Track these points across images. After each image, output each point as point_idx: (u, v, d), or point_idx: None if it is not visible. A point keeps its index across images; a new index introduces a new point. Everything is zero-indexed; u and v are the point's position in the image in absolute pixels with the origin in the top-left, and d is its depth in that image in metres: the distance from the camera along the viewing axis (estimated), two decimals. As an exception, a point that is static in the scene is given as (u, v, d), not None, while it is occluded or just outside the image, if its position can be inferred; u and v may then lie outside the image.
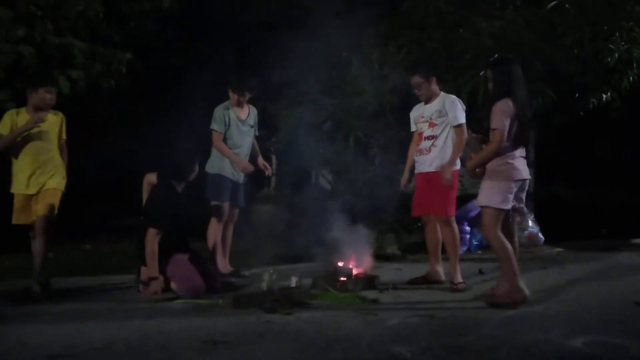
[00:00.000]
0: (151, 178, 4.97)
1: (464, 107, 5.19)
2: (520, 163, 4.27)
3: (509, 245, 4.19)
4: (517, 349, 3.23)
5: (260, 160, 5.86)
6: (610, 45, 6.56)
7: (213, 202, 5.55)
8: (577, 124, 8.20)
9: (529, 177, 4.37)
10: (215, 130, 5.54)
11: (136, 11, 7.09)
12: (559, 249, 7.40)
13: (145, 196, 4.97)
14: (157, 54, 6.14)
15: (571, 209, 8.17)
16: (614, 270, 5.96)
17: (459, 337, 3.46)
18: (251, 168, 5.61)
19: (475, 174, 4.41)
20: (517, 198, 4.31)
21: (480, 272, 5.82)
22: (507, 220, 4.30)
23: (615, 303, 4.44)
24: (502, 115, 4.15)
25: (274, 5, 7.01)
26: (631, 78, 6.98)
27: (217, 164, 5.57)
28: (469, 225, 7.87)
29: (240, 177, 5.67)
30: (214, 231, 5.51)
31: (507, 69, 4.34)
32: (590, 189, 8.99)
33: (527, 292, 4.19)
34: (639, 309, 4.24)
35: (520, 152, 4.29)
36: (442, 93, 5.20)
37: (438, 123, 5.07)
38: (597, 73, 7.18)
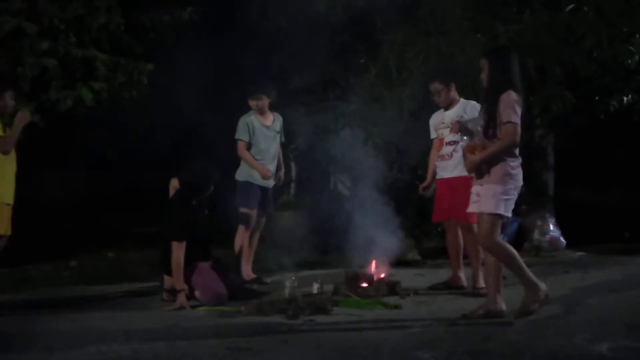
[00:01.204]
0: (175, 183, 5.04)
1: None
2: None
3: (510, 248, 3.92)
4: (542, 354, 3.21)
5: (280, 173, 5.94)
6: (630, 47, 6.49)
7: (242, 209, 5.64)
8: (597, 126, 8.12)
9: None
10: (240, 140, 5.65)
11: (157, 22, 7.20)
12: (581, 253, 7.33)
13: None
14: (178, 65, 6.22)
15: (593, 212, 8.07)
16: (638, 274, 5.89)
17: (482, 342, 3.45)
18: (270, 173, 5.67)
19: (480, 171, 3.95)
20: None
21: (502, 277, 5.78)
22: None
23: (640, 307, 4.41)
24: (513, 106, 3.82)
25: (292, 13, 7.05)
26: (652, 80, 6.91)
27: (247, 171, 5.68)
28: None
29: (270, 183, 5.77)
30: (241, 238, 5.61)
31: (506, 58, 4.01)
32: (612, 191, 8.87)
33: (542, 286, 3.90)
34: (664, 313, 4.20)
35: None
36: (462, 99, 5.21)
37: None
38: (617, 75, 7.11)
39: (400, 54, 6.92)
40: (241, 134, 5.64)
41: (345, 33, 7.00)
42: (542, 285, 3.90)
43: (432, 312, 4.29)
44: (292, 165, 8.57)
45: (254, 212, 5.66)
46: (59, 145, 7.83)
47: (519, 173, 3.94)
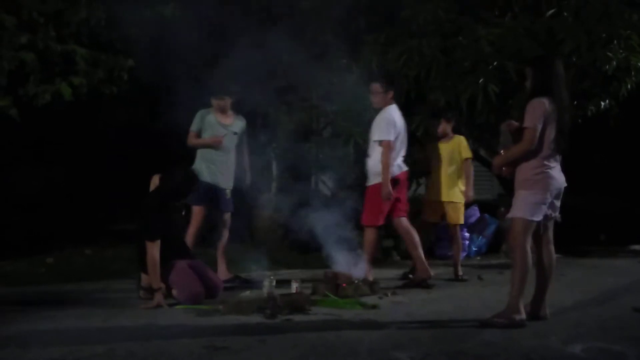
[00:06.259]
0: (156, 180, 4.99)
1: (394, 125, 5.32)
2: (556, 172, 3.99)
3: (530, 263, 3.95)
4: (517, 355, 3.25)
5: (247, 178, 5.97)
6: (609, 53, 6.59)
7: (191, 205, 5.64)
8: (576, 131, 8.22)
9: (565, 184, 4.04)
10: (190, 130, 5.71)
11: (138, 18, 7.11)
12: (557, 255, 7.38)
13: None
14: (159, 62, 6.16)
15: (570, 215, 8.18)
16: (613, 276, 5.99)
17: (459, 343, 3.47)
18: (220, 139, 5.64)
19: (501, 172, 4.17)
20: (551, 206, 4.02)
21: (479, 278, 5.85)
22: (538, 230, 4.04)
23: (614, 309, 4.47)
24: (534, 113, 3.89)
25: (275, 11, 7.03)
26: (629, 85, 7.00)
27: (196, 169, 5.61)
28: (468, 232, 7.90)
29: (221, 182, 5.70)
30: (190, 236, 5.56)
31: (548, 66, 4.07)
32: (589, 195, 9.00)
33: (524, 316, 3.91)
34: (637, 315, 4.27)
35: (557, 159, 4.03)
36: (384, 108, 5.40)
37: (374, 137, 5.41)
38: (595, 80, 7.20)
39: (382, 55, 6.94)
40: (192, 125, 5.72)
41: (328, 33, 6.98)
42: (523, 315, 3.90)
43: (410, 313, 4.31)
44: (273, 164, 8.54)
45: (199, 209, 5.59)
46: (36, 141, 7.72)
47: (545, 178, 3.91)
